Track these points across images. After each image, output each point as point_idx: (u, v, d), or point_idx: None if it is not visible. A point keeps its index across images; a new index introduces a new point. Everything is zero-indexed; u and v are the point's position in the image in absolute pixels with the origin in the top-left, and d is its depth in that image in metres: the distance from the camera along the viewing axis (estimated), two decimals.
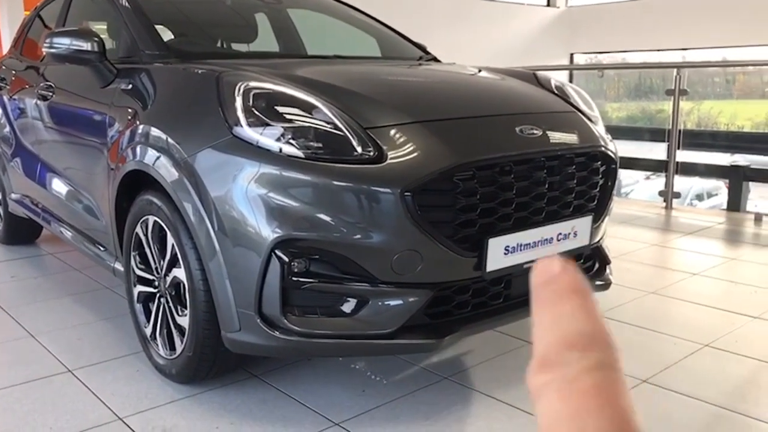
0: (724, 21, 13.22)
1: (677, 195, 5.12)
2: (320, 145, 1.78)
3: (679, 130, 5.07)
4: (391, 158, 1.78)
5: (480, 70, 2.72)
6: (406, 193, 1.74)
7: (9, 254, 3.84)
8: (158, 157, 2.01)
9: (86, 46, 2.40)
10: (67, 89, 2.81)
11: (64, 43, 2.42)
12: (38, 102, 3.07)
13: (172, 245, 2.03)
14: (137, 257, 2.28)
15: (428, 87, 2.33)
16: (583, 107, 2.49)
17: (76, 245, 2.91)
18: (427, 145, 1.85)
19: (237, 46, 3.13)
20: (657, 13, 14.34)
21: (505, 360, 2.32)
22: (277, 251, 1.75)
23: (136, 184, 2.22)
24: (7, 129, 3.57)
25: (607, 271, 2.38)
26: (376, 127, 1.85)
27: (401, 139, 1.84)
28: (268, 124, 1.81)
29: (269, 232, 1.75)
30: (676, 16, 13.99)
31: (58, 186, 2.98)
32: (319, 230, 1.74)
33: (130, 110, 2.27)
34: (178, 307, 2.08)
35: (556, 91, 2.57)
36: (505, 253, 1.92)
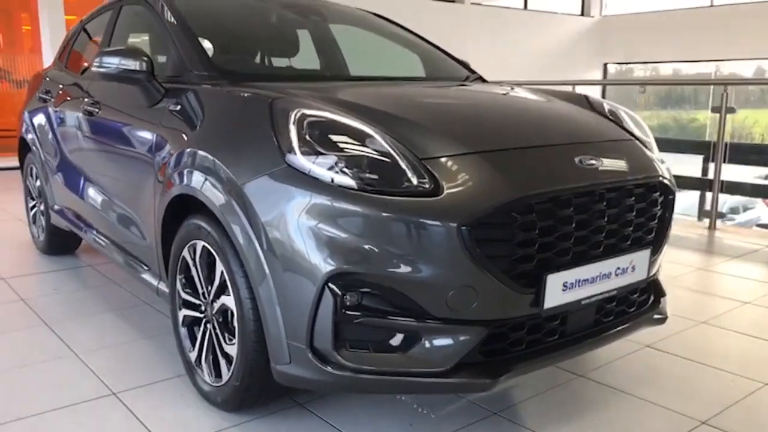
0: (758, 31, 12.98)
1: (722, 215, 4.99)
2: (375, 176, 1.74)
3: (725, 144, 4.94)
4: (448, 190, 1.73)
5: (530, 93, 2.66)
6: (463, 228, 1.69)
7: (50, 265, 3.87)
8: (207, 182, 1.99)
9: (135, 65, 2.40)
10: (114, 106, 2.81)
11: (113, 62, 2.42)
12: (84, 117, 3.08)
13: (221, 272, 2.00)
14: (183, 280, 2.26)
15: (482, 113, 2.27)
16: (637, 133, 2.41)
17: (117, 261, 2.91)
18: (484, 176, 1.80)
19: (282, 64, 3.11)
20: (691, 24, 14.14)
21: (556, 394, 2.26)
22: (330, 284, 1.71)
23: (184, 206, 2.20)
24: (52, 141, 3.59)
25: (662, 303, 2.30)
26: (432, 158, 1.81)
27: (457, 171, 1.79)
28: (321, 153, 1.77)
29: (322, 265, 1.71)
30: (711, 26, 13.78)
31: (102, 202, 2.98)
32: (372, 264, 1.70)
33: (178, 132, 2.26)
34: (226, 335, 2.05)
35: (609, 116, 2.50)
36: (563, 290, 1.86)
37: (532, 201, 1.78)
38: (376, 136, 1.81)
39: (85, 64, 3.55)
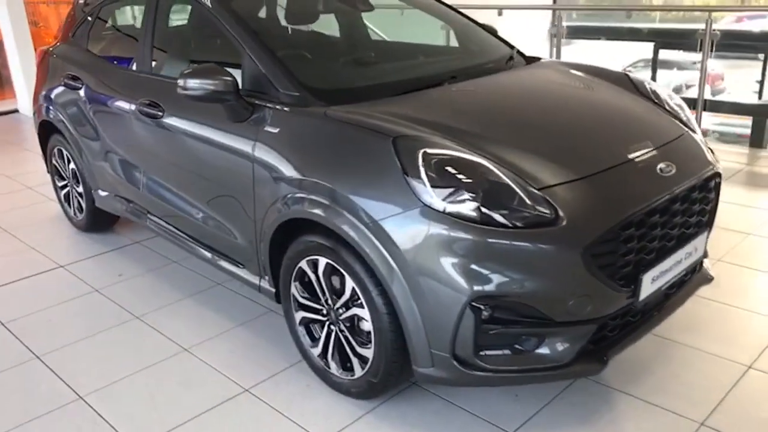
0: None
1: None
2: (504, 210, 1.99)
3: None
4: (566, 218, 2.01)
5: (582, 81, 2.90)
6: (584, 251, 1.99)
7: (97, 245, 4.00)
8: (335, 212, 2.20)
9: (222, 87, 2.49)
10: (186, 115, 2.89)
11: (199, 85, 2.50)
12: (142, 116, 3.15)
13: (353, 288, 2.26)
14: (299, 286, 2.52)
15: (569, 128, 2.46)
16: (683, 117, 2.72)
17: (199, 255, 3.11)
18: (594, 200, 2.08)
19: (361, 70, 3.10)
20: None
21: (635, 353, 2.62)
22: (471, 304, 2.00)
23: (293, 222, 2.42)
24: (93, 129, 3.63)
25: (706, 264, 2.70)
26: (547, 187, 2.07)
27: (569, 197, 2.06)
28: (451, 190, 2.01)
29: (464, 290, 1.99)
30: None
31: (176, 200, 3.13)
32: (506, 286, 1.99)
33: (281, 155, 2.42)
34: (357, 339, 2.35)
35: (654, 99, 2.79)
36: (651, 282, 2.21)
37: (634, 218, 2.09)
38: (497, 171, 2.05)
39: (127, 55, 3.53)
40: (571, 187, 2.11)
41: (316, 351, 2.54)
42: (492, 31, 3.44)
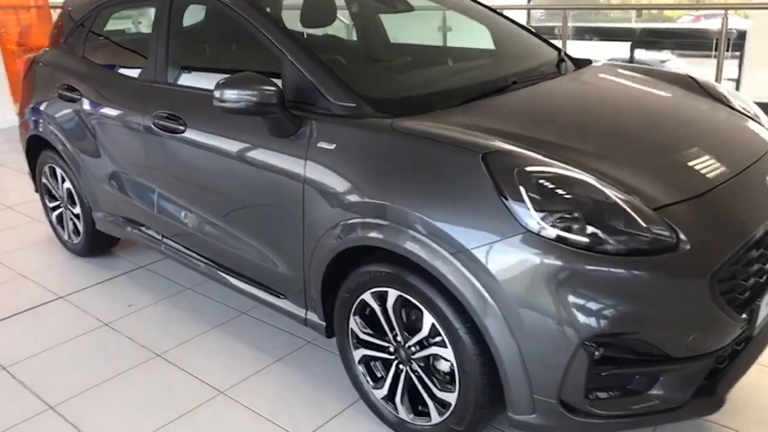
0: None
1: None
2: (622, 236, 1.75)
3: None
4: (690, 241, 1.78)
5: (657, 87, 2.69)
6: (711, 278, 1.76)
7: (98, 271, 3.65)
8: (411, 239, 1.93)
9: (266, 98, 2.20)
10: (217, 130, 2.58)
11: (240, 96, 2.20)
12: (156, 131, 2.83)
13: (432, 325, 1.99)
14: (359, 321, 2.24)
15: (665, 136, 2.23)
16: (752, 113, 2.54)
17: (229, 284, 2.80)
18: (716, 219, 1.86)
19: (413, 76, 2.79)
20: None
21: None
22: (584, 344, 1.75)
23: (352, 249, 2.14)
24: (95, 146, 3.29)
25: None
26: (663, 207, 1.83)
27: (689, 217, 1.83)
28: (557, 213, 1.76)
29: (577, 328, 1.74)
30: None
31: (198, 222, 2.81)
32: (625, 324, 1.75)
33: (339, 175, 2.13)
34: (435, 381, 2.08)
35: (726, 102, 2.59)
36: (765, 306, 2.00)
37: (756, 238, 1.87)
38: (606, 190, 1.81)
39: (135, 63, 3.19)
40: (689, 206, 1.87)
41: (380, 393, 2.26)
42: (533, 33, 3.21)
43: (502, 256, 1.79)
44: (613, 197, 1.80)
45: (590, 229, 1.75)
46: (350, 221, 2.10)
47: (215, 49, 3.14)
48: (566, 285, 1.74)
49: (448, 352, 1.99)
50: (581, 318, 1.74)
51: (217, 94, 2.24)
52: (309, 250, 2.30)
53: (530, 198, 1.78)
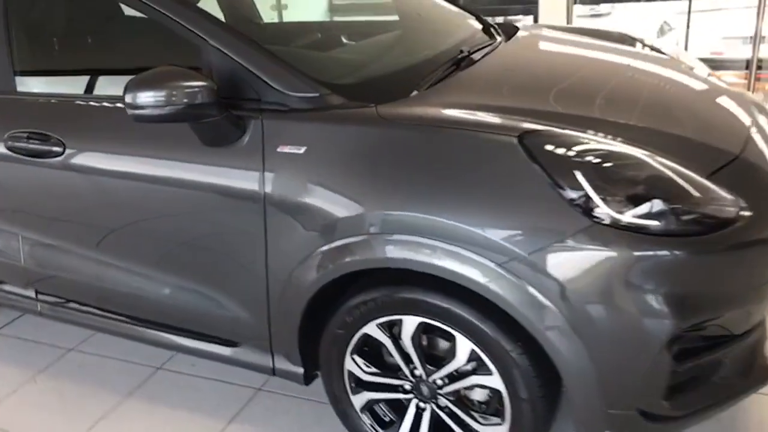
0: None
1: None
2: (689, 215, 1.52)
3: None
4: (749, 207, 1.59)
5: (591, 42, 2.50)
6: None
7: (13, 365, 2.70)
8: (440, 254, 1.55)
9: (202, 96, 1.68)
10: (112, 149, 1.97)
11: (165, 99, 1.65)
12: (12, 158, 2.12)
13: (471, 351, 1.64)
14: (358, 359, 1.82)
15: (665, 98, 2.02)
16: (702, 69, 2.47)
17: (149, 339, 2.20)
18: (753, 180, 1.70)
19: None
20: None
21: None
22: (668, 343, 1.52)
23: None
24: None
25: None
26: (713, 173, 1.62)
27: (737, 182, 1.64)
28: (622, 197, 1.49)
29: (661, 327, 1.49)
30: None
31: (94, 268, 2.16)
32: (706, 312, 1.54)
33: (322, 186, 1.68)
34: (473, 414, 1.73)
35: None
36: None
37: None
38: (659, 165, 1.57)
39: None
40: (731, 170, 1.69)
41: None
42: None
43: (568, 257, 1.48)
44: (670, 171, 1.56)
45: (658, 210, 1.50)
46: (341, 243, 1.67)
47: (91, 41, 2.44)
48: (645, 278, 1.48)
49: (493, 380, 1.65)
50: (666, 312, 1.49)
51: (128, 98, 1.67)
52: (277, 287, 1.83)
53: (590, 183, 1.48)
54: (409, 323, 1.70)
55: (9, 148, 2.12)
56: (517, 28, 2.65)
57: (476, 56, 2.17)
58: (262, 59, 1.80)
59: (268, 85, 1.77)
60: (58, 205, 2.14)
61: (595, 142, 1.58)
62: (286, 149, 1.72)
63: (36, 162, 2.09)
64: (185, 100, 1.66)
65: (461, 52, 2.15)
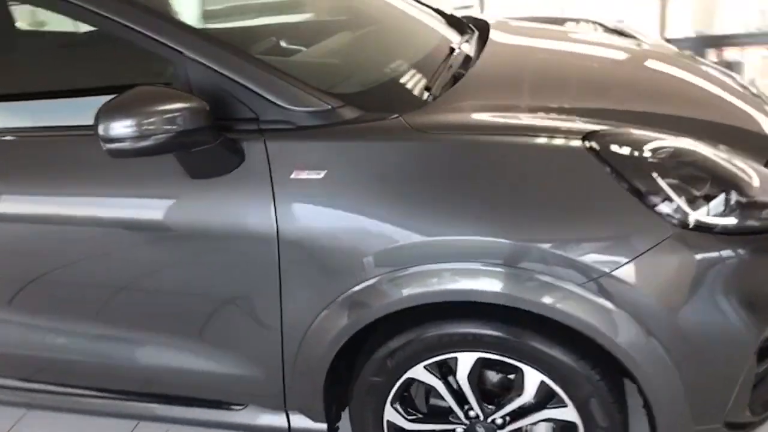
0: None
1: None
2: (763, 210, 1.41)
3: None
4: None
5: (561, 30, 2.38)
6: None
7: None
8: (517, 279, 1.35)
9: (194, 120, 1.38)
10: (71, 189, 1.61)
11: (152, 127, 1.34)
12: None
13: (540, 383, 1.45)
14: (400, 408, 1.59)
15: (677, 86, 1.93)
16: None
17: (129, 414, 1.84)
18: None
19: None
20: None
21: None
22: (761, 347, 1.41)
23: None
24: None
25: None
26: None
27: None
28: (699, 196, 1.36)
29: (751, 331, 1.37)
30: None
31: (59, 340, 1.78)
32: None
33: (352, 212, 1.43)
34: None
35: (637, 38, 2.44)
36: None
37: None
38: (721, 159, 1.45)
39: None
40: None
41: None
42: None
43: (655, 268, 1.33)
44: (732, 165, 1.44)
45: (733, 207, 1.38)
46: (385, 277, 1.42)
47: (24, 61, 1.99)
48: (734, 281, 1.35)
49: (568, 412, 1.48)
50: (755, 316, 1.37)
51: (101, 130, 1.34)
52: (295, 334, 1.55)
53: (670, 186, 1.33)
54: (466, 360, 1.48)
55: None
56: (488, 23, 2.48)
57: (472, 54, 1.99)
58: (256, 70, 1.51)
59: (266, 100, 1.48)
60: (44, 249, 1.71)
61: (658, 138, 1.44)
62: (303, 175, 1.45)
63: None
64: (174, 127, 1.35)
65: (452, 50, 1.95)
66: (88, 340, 1.74)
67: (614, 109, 1.61)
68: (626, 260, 1.31)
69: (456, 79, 1.74)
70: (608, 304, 1.33)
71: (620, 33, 2.49)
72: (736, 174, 1.41)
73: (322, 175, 1.44)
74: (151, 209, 1.55)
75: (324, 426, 1.68)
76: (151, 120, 1.34)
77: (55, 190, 1.63)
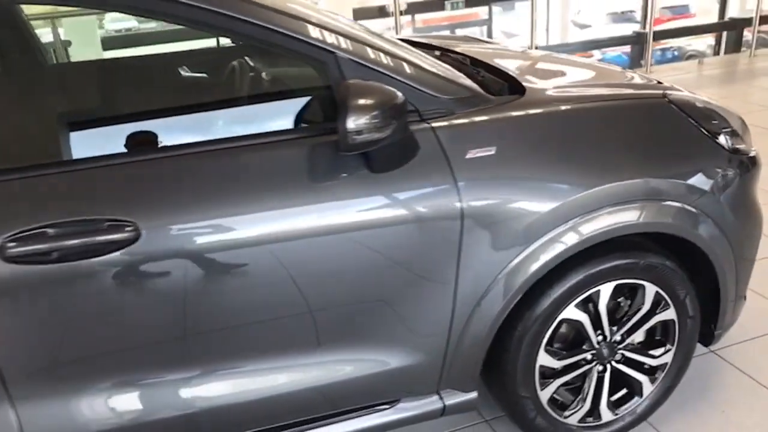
0: None
1: None
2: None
3: None
4: None
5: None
6: None
7: None
8: (653, 210, 1.74)
9: (404, 113, 1.46)
10: (233, 210, 1.43)
11: (381, 120, 1.38)
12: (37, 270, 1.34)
13: (655, 293, 1.85)
14: (551, 349, 1.82)
15: None
16: None
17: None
18: None
19: None
20: None
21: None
22: None
23: None
24: None
25: None
26: None
27: None
28: (728, 133, 1.91)
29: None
30: None
31: (206, 388, 1.53)
32: None
33: (529, 181, 1.63)
34: (649, 353, 1.95)
35: None
36: None
37: None
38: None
39: None
40: None
41: (578, 415, 1.93)
42: None
43: (728, 185, 1.85)
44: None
45: (735, 137, 1.96)
46: (560, 230, 1.65)
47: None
48: (753, 183, 1.95)
49: (670, 312, 1.90)
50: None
51: (351, 124, 1.34)
52: (465, 310, 1.67)
53: (718, 126, 1.87)
54: (607, 290, 1.79)
55: (10, 257, 1.32)
56: None
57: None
58: (407, 67, 1.61)
59: (423, 93, 1.59)
60: (129, 318, 1.43)
61: (691, 95, 1.95)
62: (478, 154, 1.60)
63: (77, 267, 1.36)
64: (401, 120, 1.42)
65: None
66: (253, 376, 1.55)
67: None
68: (712, 180, 1.80)
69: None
70: (703, 215, 1.80)
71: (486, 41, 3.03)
72: (729, 114, 2.00)
73: (493, 151, 1.61)
74: (336, 213, 1.50)
75: (475, 394, 1.80)
76: (383, 111, 1.38)
77: (250, 208, 1.46)
